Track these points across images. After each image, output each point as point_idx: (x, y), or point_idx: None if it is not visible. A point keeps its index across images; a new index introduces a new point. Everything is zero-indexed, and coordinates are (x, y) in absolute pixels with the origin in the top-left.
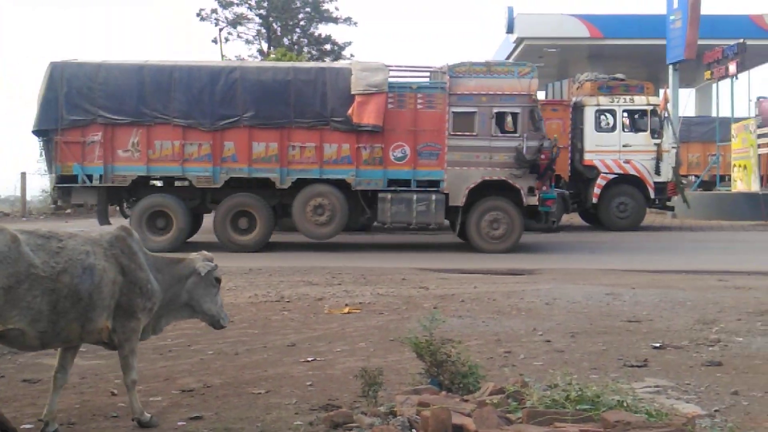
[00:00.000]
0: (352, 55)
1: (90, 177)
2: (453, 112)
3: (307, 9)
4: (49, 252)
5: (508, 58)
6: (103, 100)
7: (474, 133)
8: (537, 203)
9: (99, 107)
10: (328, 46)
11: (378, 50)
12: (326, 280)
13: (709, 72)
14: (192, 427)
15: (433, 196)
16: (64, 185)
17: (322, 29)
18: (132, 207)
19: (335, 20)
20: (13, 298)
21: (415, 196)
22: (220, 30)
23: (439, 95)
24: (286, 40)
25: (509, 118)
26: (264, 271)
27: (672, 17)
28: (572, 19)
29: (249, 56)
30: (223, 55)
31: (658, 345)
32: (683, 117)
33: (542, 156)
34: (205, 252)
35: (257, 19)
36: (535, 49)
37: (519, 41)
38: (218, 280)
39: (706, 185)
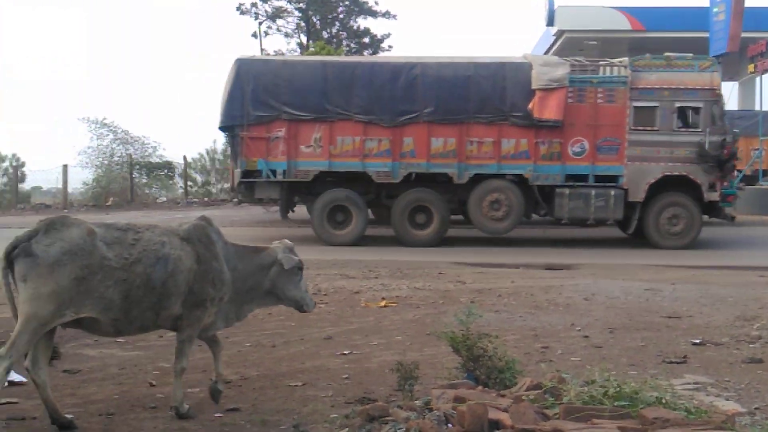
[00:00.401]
0: (390, 47)
1: (273, 172)
2: (634, 106)
3: (346, 2)
4: (124, 244)
5: (548, 51)
6: (288, 97)
7: (655, 128)
8: (718, 199)
9: (283, 103)
10: (366, 39)
11: (416, 43)
12: (363, 274)
13: (752, 65)
14: (229, 419)
15: (612, 192)
16: (248, 180)
17: (361, 22)
18: (303, 203)
19: (374, 14)
20: (86, 289)
21: (593, 192)
22: (260, 24)
23: (619, 89)
24: (325, 33)
25: (691, 113)
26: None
27: (715, 9)
28: (613, 11)
29: (288, 50)
30: (262, 49)
31: (697, 341)
32: (726, 111)
33: (724, 151)
34: (286, 240)
35: (296, 13)
36: (575, 41)
37: (559, 34)
38: (300, 268)
39: (749, 180)
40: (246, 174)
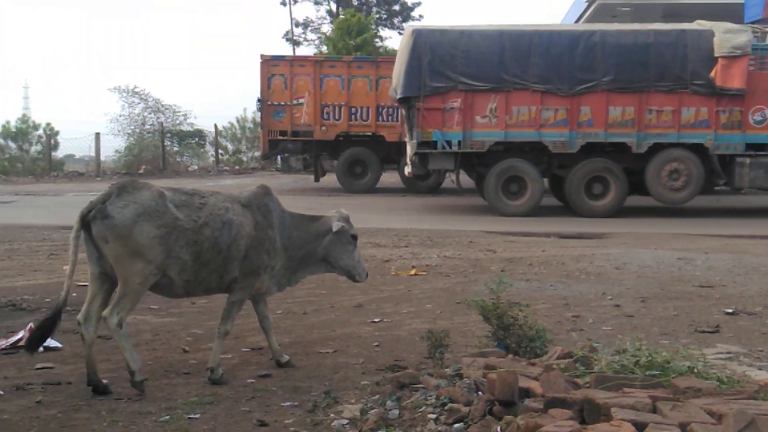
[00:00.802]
0: (421, 16)
1: (449, 143)
2: None
3: None
4: (192, 207)
5: (579, 18)
6: (464, 67)
7: None
8: None
9: (460, 74)
10: (397, 7)
11: (446, 10)
12: (393, 242)
13: None
14: (261, 385)
15: None
16: (423, 151)
17: None
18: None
19: None
20: (165, 248)
21: None
22: None
23: None
24: (354, 1)
25: None
26: None
27: None
28: None
29: (317, 17)
30: (292, 18)
31: (730, 311)
32: None
33: None
34: (342, 210)
35: None
36: (608, 8)
37: (592, 0)
38: (354, 237)
39: None
40: (421, 145)
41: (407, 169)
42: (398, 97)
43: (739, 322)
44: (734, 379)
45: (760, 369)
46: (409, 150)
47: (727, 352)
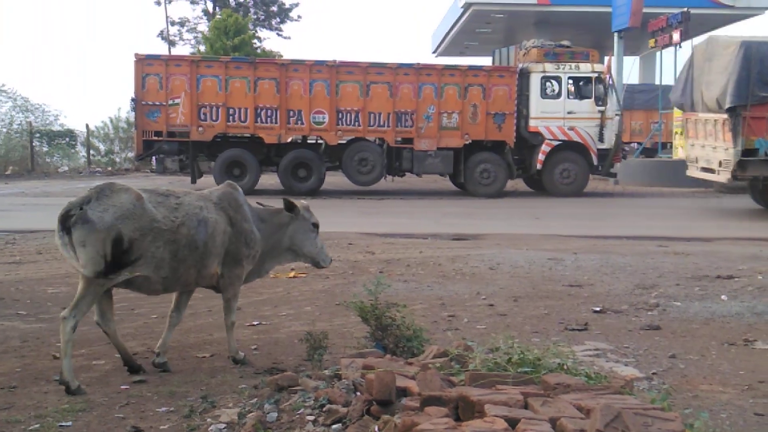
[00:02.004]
0: (299, 17)
1: None
2: None
3: None
4: (169, 208)
5: (454, 24)
6: None
7: None
8: None
9: None
10: (275, 8)
11: (325, 13)
12: None
13: (653, 40)
14: (136, 391)
15: None
16: (744, 159)
17: None
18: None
19: None
20: (139, 249)
21: None
22: None
23: None
24: (231, 1)
25: None
26: None
27: None
28: None
29: (194, 17)
30: (167, 16)
31: (598, 309)
32: (627, 84)
33: None
34: (303, 201)
35: None
36: (482, 14)
37: (467, 6)
38: (316, 225)
39: (649, 152)
40: (743, 153)
41: (723, 176)
42: (727, 106)
43: (607, 319)
44: (602, 375)
45: (625, 365)
46: (727, 156)
47: (595, 349)
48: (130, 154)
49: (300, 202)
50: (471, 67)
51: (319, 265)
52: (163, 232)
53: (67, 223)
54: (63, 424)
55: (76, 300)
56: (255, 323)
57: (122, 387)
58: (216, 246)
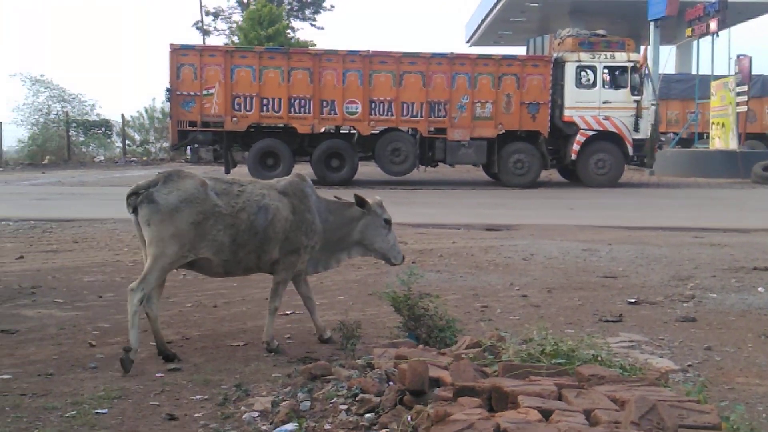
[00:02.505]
0: (332, 7)
1: None
2: None
3: None
4: (231, 194)
5: (488, 13)
6: None
7: None
8: None
9: None
10: None
11: (358, 3)
12: None
13: (690, 29)
14: (170, 379)
15: None
16: None
17: None
18: None
19: None
20: (201, 232)
21: None
22: None
23: None
24: None
25: None
26: None
27: None
28: None
29: (228, 7)
30: (202, 6)
31: (633, 300)
32: (663, 74)
33: None
34: (376, 197)
35: None
36: (517, 3)
37: None
38: (388, 222)
39: (685, 143)
40: None
41: None
42: None
43: (641, 311)
44: (636, 366)
45: (660, 357)
46: None
47: (630, 341)
48: (165, 144)
49: (373, 198)
50: (505, 57)
51: (390, 261)
52: (224, 216)
53: (132, 201)
54: (99, 411)
55: (144, 274)
56: (288, 312)
57: (157, 375)
58: (276, 232)
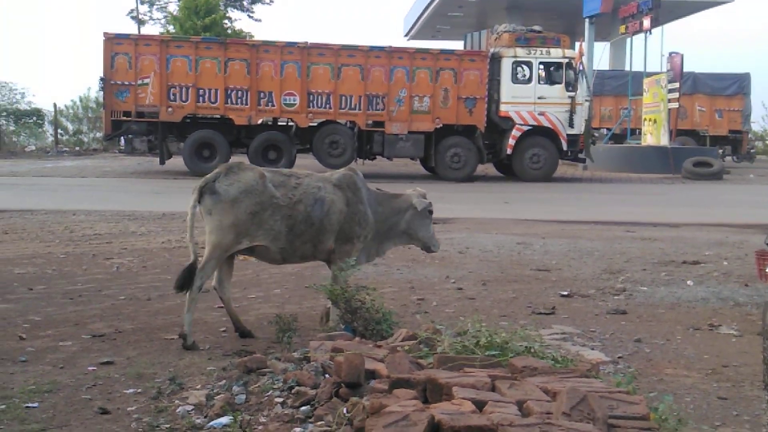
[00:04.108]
0: (271, 0)
1: None
2: None
3: None
4: (288, 186)
5: (426, 7)
6: None
7: None
8: None
9: None
10: None
11: None
12: None
13: (623, 26)
14: (103, 372)
15: None
16: None
17: None
18: None
19: None
20: (259, 221)
21: None
22: None
23: None
24: None
25: None
26: (178, 216)
27: None
28: None
29: None
30: None
31: (565, 293)
32: (597, 70)
33: None
34: (418, 188)
35: None
36: None
37: None
38: (430, 212)
39: (618, 138)
40: None
41: None
42: None
43: (574, 304)
44: (568, 358)
45: (592, 349)
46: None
47: (562, 333)
48: (99, 134)
49: (416, 190)
50: (443, 51)
51: (430, 249)
52: (281, 207)
53: (198, 192)
54: (29, 405)
55: (203, 263)
56: (223, 306)
57: (89, 368)
58: (332, 223)
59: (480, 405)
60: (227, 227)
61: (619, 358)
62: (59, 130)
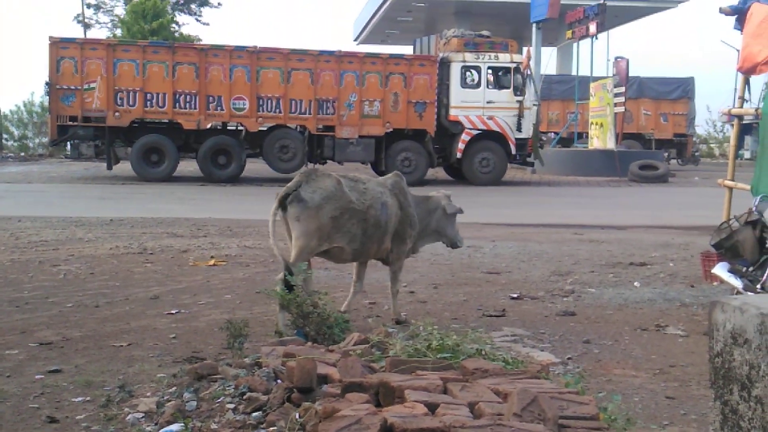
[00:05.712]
0: (219, 4)
1: None
2: None
3: None
4: (359, 191)
5: (376, 12)
6: None
7: None
8: None
9: None
10: None
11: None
12: (191, 232)
13: (570, 31)
14: (51, 381)
15: None
16: None
17: None
18: None
19: None
20: (338, 225)
21: None
22: None
23: None
24: None
25: None
26: (126, 222)
27: None
28: None
29: (111, 0)
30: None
31: (515, 296)
32: (544, 75)
33: None
34: (443, 191)
35: None
36: (403, 3)
37: None
38: (459, 212)
39: (565, 142)
40: None
41: None
42: None
43: (523, 306)
44: (519, 360)
45: (542, 350)
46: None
47: (512, 335)
48: (44, 140)
49: (441, 192)
50: (392, 56)
51: (456, 245)
52: (357, 212)
53: (284, 202)
54: None
55: (293, 264)
56: (174, 312)
57: (37, 377)
58: (392, 226)
59: (432, 407)
60: (313, 232)
61: (568, 359)
62: (3, 135)
